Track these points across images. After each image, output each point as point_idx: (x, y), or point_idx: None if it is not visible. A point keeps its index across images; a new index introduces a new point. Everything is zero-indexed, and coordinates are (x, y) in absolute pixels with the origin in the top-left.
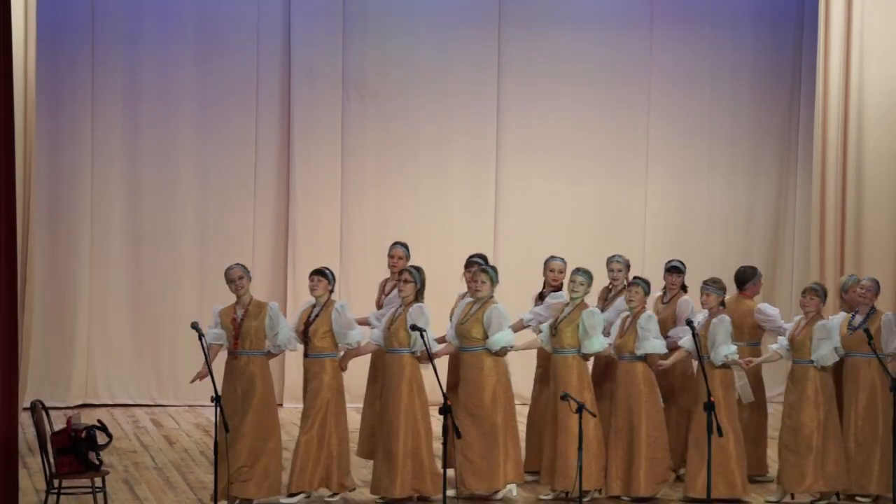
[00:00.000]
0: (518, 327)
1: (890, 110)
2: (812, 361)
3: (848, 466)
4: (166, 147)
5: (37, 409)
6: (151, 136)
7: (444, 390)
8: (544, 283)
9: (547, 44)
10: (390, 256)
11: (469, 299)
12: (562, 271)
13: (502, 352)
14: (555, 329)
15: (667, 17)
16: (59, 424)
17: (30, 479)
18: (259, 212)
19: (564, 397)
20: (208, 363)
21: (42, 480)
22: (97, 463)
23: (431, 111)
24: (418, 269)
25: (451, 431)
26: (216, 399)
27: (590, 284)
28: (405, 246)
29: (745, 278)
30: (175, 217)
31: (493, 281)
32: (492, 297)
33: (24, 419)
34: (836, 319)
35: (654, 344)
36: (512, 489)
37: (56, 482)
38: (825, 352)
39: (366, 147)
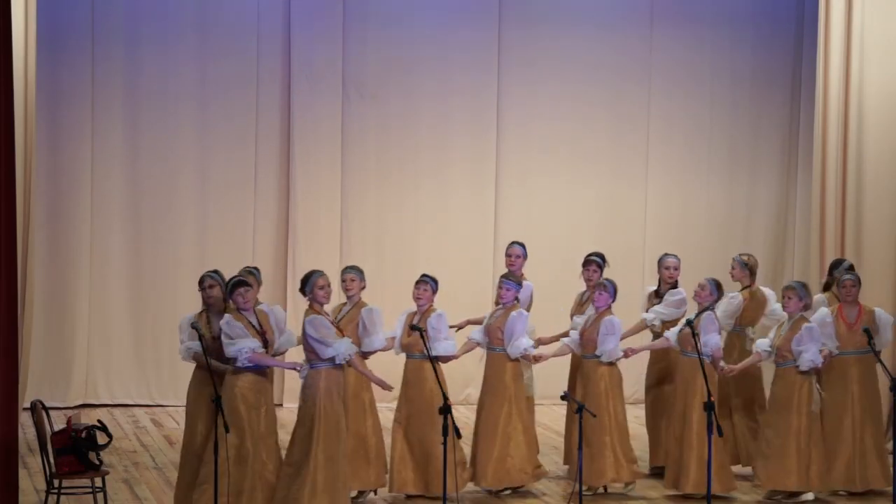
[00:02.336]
0: (640, 328)
1: (890, 110)
2: (796, 363)
3: (851, 462)
4: (166, 147)
5: (37, 409)
6: (151, 136)
7: (444, 391)
8: (659, 282)
9: (547, 44)
10: (508, 255)
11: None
12: (676, 268)
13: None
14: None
15: (667, 17)
16: (59, 424)
17: (30, 479)
18: (259, 212)
19: (565, 397)
20: (208, 363)
21: (42, 480)
22: (97, 463)
23: (431, 111)
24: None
25: (451, 431)
26: (216, 399)
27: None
28: (523, 245)
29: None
30: (175, 217)
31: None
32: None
33: (25, 419)
34: (819, 316)
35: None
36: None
37: (56, 482)
38: (810, 356)
39: (366, 147)
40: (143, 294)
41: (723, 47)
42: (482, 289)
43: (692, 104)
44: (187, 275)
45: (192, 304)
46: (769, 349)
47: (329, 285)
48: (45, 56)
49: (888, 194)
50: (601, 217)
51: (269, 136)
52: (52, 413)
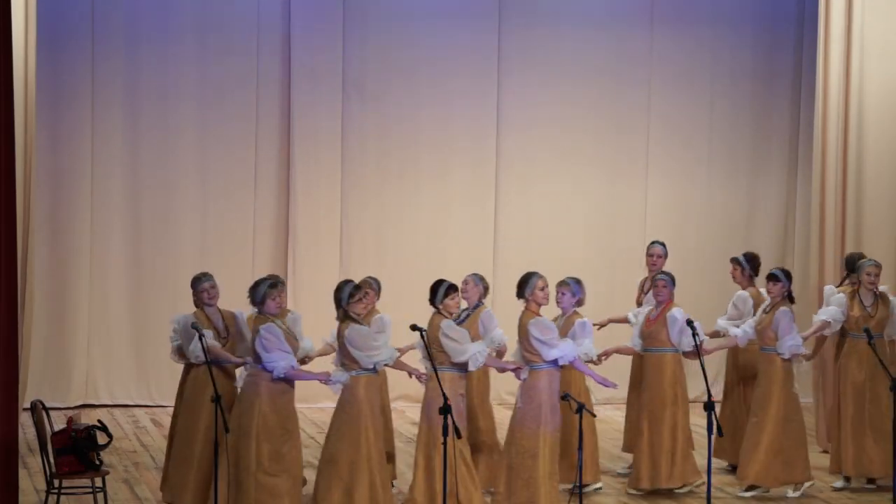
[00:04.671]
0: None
1: (890, 110)
2: (777, 350)
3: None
4: (166, 147)
5: (37, 409)
6: (151, 136)
7: (444, 391)
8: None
9: (547, 45)
10: (649, 255)
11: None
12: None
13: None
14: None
15: (667, 17)
16: (59, 425)
17: (30, 479)
18: (259, 212)
19: (565, 397)
20: (209, 363)
21: (42, 480)
22: (97, 463)
23: (431, 112)
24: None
25: (451, 431)
26: (216, 399)
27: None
28: (664, 245)
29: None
30: (175, 217)
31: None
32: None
33: (25, 419)
34: (835, 298)
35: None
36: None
37: (56, 482)
38: (791, 343)
39: (366, 147)
40: (144, 294)
41: (723, 47)
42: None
43: (692, 104)
44: (187, 274)
45: (193, 303)
46: (749, 331)
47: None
48: (45, 56)
49: (888, 194)
50: (601, 217)
51: (269, 136)
52: (52, 413)
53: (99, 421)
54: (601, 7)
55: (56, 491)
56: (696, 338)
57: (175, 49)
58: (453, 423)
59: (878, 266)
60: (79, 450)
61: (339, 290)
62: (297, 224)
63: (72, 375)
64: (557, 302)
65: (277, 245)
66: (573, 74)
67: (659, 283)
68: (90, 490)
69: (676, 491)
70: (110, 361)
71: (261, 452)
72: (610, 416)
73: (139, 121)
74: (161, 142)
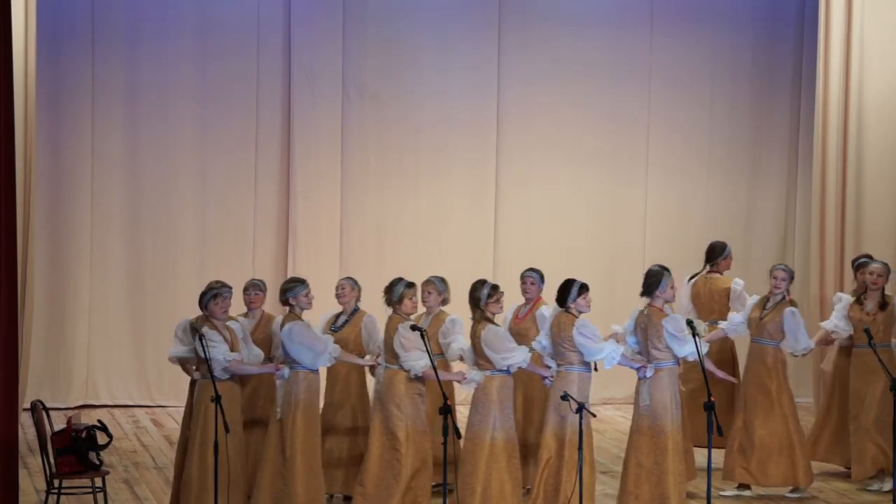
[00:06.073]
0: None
1: (890, 110)
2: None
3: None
4: (166, 147)
5: (37, 409)
6: (151, 135)
7: (444, 391)
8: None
9: (547, 44)
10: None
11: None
12: (881, 275)
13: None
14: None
15: (667, 17)
16: (59, 425)
17: (30, 479)
18: (259, 212)
19: (565, 397)
20: (209, 363)
21: (42, 480)
22: (97, 463)
23: (431, 111)
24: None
25: (451, 431)
26: (216, 399)
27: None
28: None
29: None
30: (175, 217)
31: None
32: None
33: (25, 419)
34: (845, 299)
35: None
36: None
37: (56, 482)
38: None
39: (366, 147)
40: (144, 294)
41: (723, 47)
42: None
43: (692, 104)
44: (187, 274)
45: (193, 303)
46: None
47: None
48: (45, 56)
49: (888, 194)
50: (601, 217)
51: (269, 136)
52: (52, 413)
53: (99, 421)
54: (601, 6)
55: (56, 491)
56: (697, 338)
57: (175, 49)
58: (453, 423)
59: (886, 267)
60: (79, 450)
61: (475, 290)
62: (297, 224)
63: (72, 375)
64: (423, 301)
65: (277, 245)
66: (573, 74)
67: (527, 280)
68: (90, 490)
69: None
70: (110, 361)
71: None
72: (610, 416)
73: (139, 120)
74: (161, 142)
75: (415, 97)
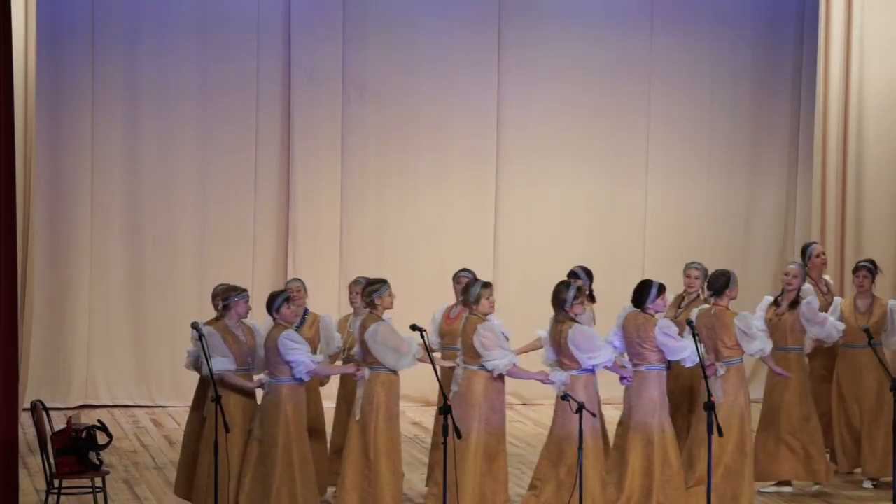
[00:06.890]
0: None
1: (890, 110)
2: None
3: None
4: (166, 147)
5: (37, 409)
6: (151, 135)
7: (444, 391)
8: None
9: (547, 45)
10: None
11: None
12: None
13: None
14: None
15: (667, 17)
16: (59, 425)
17: (30, 479)
18: (259, 212)
19: (565, 398)
20: (209, 363)
21: (42, 480)
22: (97, 463)
23: (431, 112)
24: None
25: (451, 431)
26: (216, 399)
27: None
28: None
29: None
30: (175, 217)
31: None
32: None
33: (25, 419)
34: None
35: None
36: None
37: (56, 482)
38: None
39: (366, 147)
40: (144, 294)
41: (723, 47)
42: None
43: (692, 104)
44: (187, 275)
45: (193, 303)
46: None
47: None
48: (45, 56)
49: (888, 194)
50: (601, 218)
51: (269, 136)
52: (52, 413)
53: (99, 421)
54: (601, 6)
55: (56, 491)
56: (697, 338)
57: (175, 49)
58: (453, 423)
59: (802, 267)
60: (79, 450)
61: (560, 293)
62: (297, 224)
63: (72, 376)
64: (351, 302)
65: (277, 245)
66: (573, 74)
67: (462, 280)
68: (90, 490)
69: None
70: (110, 362)
71: None
72: (610, 417)
73: (139, 120)
74: (161, 141)
75: (415, 97)
